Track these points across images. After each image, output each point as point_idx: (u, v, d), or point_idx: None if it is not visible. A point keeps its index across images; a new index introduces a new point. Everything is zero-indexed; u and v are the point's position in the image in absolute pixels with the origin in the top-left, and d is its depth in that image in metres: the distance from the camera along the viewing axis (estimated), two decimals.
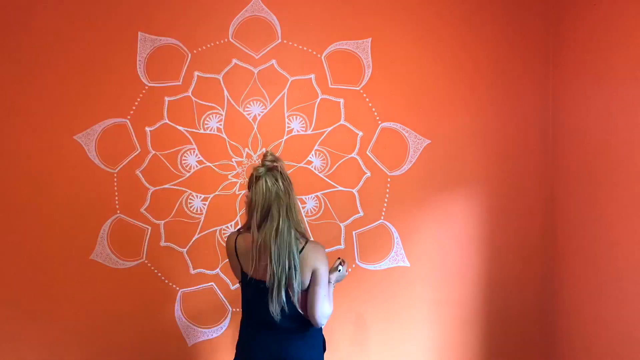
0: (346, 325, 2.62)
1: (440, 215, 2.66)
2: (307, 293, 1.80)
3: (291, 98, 2.59)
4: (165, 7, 2.53)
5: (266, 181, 1.75)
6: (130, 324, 2.49)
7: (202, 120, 2.54)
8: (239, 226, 2.34)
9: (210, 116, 2.55)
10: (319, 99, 2.60)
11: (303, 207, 2.58)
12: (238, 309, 2.54)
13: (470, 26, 2.68)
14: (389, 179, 2.64)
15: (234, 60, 2.56)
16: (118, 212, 2.49)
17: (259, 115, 2.57)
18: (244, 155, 2.56)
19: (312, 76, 2.59)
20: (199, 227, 2.52)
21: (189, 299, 2.53)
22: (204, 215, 2.52)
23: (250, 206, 1.78)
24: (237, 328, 2.53)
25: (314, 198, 2.59)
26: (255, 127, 2.57)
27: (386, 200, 2.63)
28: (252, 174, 1.78)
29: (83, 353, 2.47)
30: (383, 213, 2.63)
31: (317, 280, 1.78)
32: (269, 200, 1.74)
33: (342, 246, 2.61)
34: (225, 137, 2.55)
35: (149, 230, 2.51)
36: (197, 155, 2.54)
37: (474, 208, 2.68)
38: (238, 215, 2.55)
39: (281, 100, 2.58)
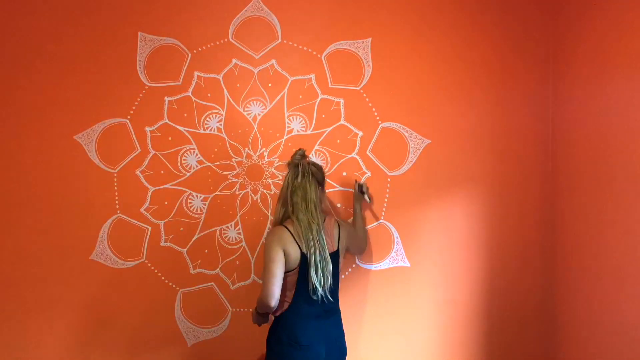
0: (346, 325, 2.61)
1: (440, 215, 2.66)
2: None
3: (291, 98, 2.59)
4: (165, 7, 2.53)
5: (306, 171, 2.19)
6: (131, 324, 2.49)
7: (202, 120, 2.54)
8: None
9: (210, 116, 2.55)
10: (319, 99, 2.60)
11: None
12: (238, 309, 2.54)
13: (470, 26, 2.69)
14: (389, 179, 2.64)
15: (234, 60, 2.56)
16: (118, 212, 2.49)
17: (259, 115, 2.57)
18: (244, 155, 2.56)
19: (312, 76, 2.60)
20: (199, 227, 2.52)
21: (189, 299, 2.53)
22: (204, 215, 2.52)
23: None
24: (238, 328, 2.54)
25: None
26: (255, 127, 2.57)
27: (386, 200, 2.63)
28: (299, 155, 2.23)
29: (83, 353, 2.47)
30: (383, 213, 2.63)
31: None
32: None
33: None
34: (225, 137, 2.55)
35: (149, 230, 2.51)
36: (197, 155, 2.54)
37: (474, 208, 2.68)
38: (238, 215, 2.55)
39: (281, 100, 2.58)
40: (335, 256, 2.17)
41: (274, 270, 2.00)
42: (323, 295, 2.08)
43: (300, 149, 2.25)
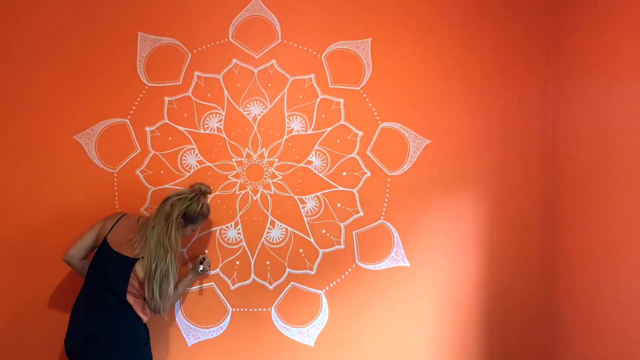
0: (346, 325, 2.61)
1: (440, 215, 2.66)
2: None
3: (291, 98, 2.59)
4: (165, 7, 2.53)
5: (194, 199, 2.16)
6: None
7: (202, 120, 2.54)
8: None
9: (210, 116, 2.55)
10: (319, 99, 2.60)
11: (303, 207, 2.58)
12: (238, 309, 2.54)
13: (470, 26, 2.69)
14: (389, 179, 2.64)
15: (234, 60, 2.56)
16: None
17: (259, 115, 2.57)
18: (244, 155, 2.56)
19: (312, 76, 2.60)
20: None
21: (189, 299, 2.53)
22: None
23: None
24: (238, 328, 2.54)
25: (314, 198, 2.59)
26: (255, 127, 2.57)
27: (386, 200, 2.63)
28: (204, 189, 2.25)
29: None
30: (383, 213, 2.63)
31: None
32: (172, 208, 2.11)
33: (342, 246, 2.61)
34: (225, 137, 2.55)
35: None
36: (197, 155, 2.54)
37: (474, 208, 2.68)
38: (238, 215, 2.55)
39: (281, 100, 2.58)
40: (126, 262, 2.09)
41: None
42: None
43: (208, 188, 2.29)
